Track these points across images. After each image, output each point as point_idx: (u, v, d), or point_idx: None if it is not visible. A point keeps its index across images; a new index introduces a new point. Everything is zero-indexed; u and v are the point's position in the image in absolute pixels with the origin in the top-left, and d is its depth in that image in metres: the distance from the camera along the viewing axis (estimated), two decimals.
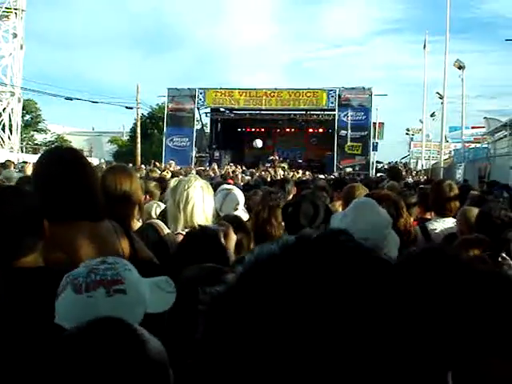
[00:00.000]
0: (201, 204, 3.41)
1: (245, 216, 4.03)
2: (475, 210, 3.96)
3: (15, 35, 38.83)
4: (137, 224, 3.28)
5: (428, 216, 4.98)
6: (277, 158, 31.92)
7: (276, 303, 0.56)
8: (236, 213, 4.00)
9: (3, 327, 1.62)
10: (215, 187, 4.26)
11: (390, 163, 43.36)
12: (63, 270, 2.07)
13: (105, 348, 1.15)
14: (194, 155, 36.17)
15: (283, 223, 3.55)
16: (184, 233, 3.28)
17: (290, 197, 5.72)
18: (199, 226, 2.92)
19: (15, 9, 38.42)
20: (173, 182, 3.57)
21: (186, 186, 3.42)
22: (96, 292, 1.43)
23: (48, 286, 1.87)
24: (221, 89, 37.33)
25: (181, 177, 3.74)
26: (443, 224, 4.45)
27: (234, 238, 3.00)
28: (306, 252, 0.61)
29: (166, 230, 3.23)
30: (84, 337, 1.18)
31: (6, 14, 38.14)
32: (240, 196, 4.11)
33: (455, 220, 4.29)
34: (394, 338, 0.55)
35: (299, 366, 0.53)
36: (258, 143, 34.18)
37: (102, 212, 2.51)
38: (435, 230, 4.42)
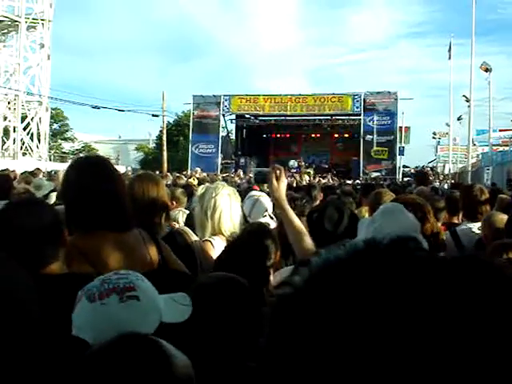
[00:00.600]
0: (228, 211, 3.42)
1: (272, 223, 4.03)
2: (500, 215, 3.93)
3: (42, 45, 39.43)
4: (164, 231, 3.30)
5: (455, 220, 4.94)
6: (302, 163, 31.91)
7: (346, 308, 0.54)
8: (264, 219, 4.01)
9: (33, 332, 1.64)
10: (242, 194, 4.28)
11: (416, 167, 42.95)
12: (89, 275, 2.11)
13: (130, 365, 1.14)
14: (219, 162, 36.29)
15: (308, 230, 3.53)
16: (211, 240, 3.30)
17: (317, 202, 5.70)
18: (237, 236, 2.91)
19: (42, 19, 39.03)
20: (200, 190, 3.58)
21: (214, 194, 3.43)
22: (109, 299, 1.45)
23: (75, 291, 1.92)
24: (246, 95, 37.44)
25: (208, 184, 3.75)
26: (474, 228, 4.40)
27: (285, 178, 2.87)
28: (377, 259, 0.59)
29: (194, 237, 3.24)
30: (108, 355, 1.18)
31: (33, 24, 38.77)
32: (268, 203, 4.12)
33: None
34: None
35: (371, 376, 0.51)
36: (293, 164, 34.02)
37: (131, 221, 2.52)
38: (466, 234, 4.37)
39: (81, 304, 1.49)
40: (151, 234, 2.60)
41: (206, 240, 3.29)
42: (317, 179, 22.87)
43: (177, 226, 3.90)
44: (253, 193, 4.38)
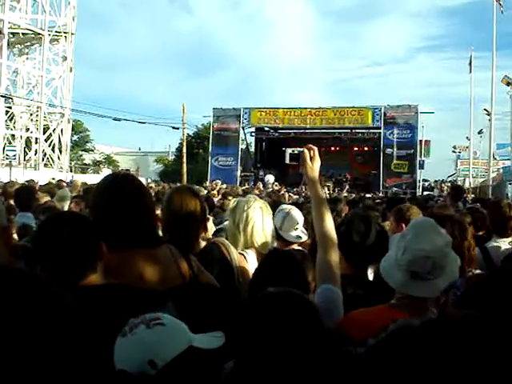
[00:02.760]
0: (260, 224, 3.47)
1: (304, 236, 4.08)
2: None
3: (65, 58, 40.02)
4: (202, 243, 3.34)
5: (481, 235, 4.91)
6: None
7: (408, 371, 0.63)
8: (295, 233, 4.05)
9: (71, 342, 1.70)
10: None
11: (436, 181, 42.71)
12: (125, 286, 2.16)
13: None
14: (238, 174, 36.41)
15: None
16: (244, 253, 3.35)
17: (343, 216, 5.72)
18: (275, 248, 2.94)
19: (65, 32, 39.63)
20: (232, 203, 3.63)
21: (246, 207, 3.48)
22: (137, 329, 1.58)
23: (113, 300, 1.98)
24: (265, 108, 37.53)
25: (239, 197, 3.80)
26: (504, 244, 4.41)
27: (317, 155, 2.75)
28: (450, 333, 0.68)
29: (232, 249, 3.27)
30: None
31: (56, 37, 39.37)
32: (299, 216, 4.15)
33: None
34: None
35: None
36: (270, 179, 33.75)
37: (159, 236, 2.57)
38: (496, 250, 4.38)
39: (116, 343, 1.61)
40: (181, 249, 2.61)
41: (240, 253, 3.33)
42: (336, 192, 22.87)
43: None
44: (284, 206, 4.42)
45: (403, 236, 2.38)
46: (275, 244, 3.93)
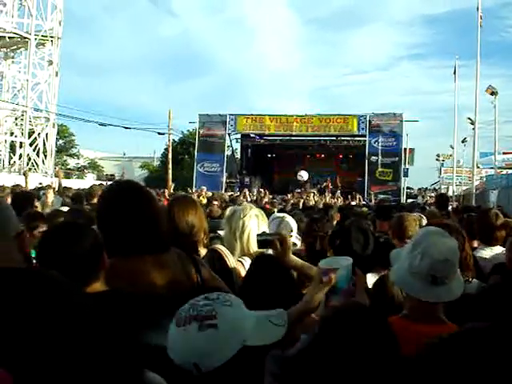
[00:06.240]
0: (256, 232, 3.51)
1: (298, 242, 4.13)
2: None
3: (51, 62, 39.73)
4: (204, 251, 3.38)
5: (475, 244, 4.96)
6: (329, 184, 32.19)
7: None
8: (290, 240, 4.11)
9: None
10: None
11: (420, 189, 43.06)
12: (127, 292, 2.18)
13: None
14: (224, 181, 36.34)
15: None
16: (242, 260, 3.39)
17: (334, 222, 5.79)
18: (261, 253, 2.99)
19: (51, 36, 39.39)
20: (228, 211, 3.68)
21: (242, 215, 3.53)
22: (190, 326, 1.54)
23: (114, 307, 2.00)
24: (251, 115, 37.48)
25: (236, 206, 3.84)
26: (491, 253, 4.46)
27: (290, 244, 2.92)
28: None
29: (230, 257, 3.31)
30: None
31: (42, 41, 39.11)
32: (293, 223, 4.22)
33: (503, 249, 4.30)
34: None
35: None
36: (304, 175, 33.76)
37: (167, 242, 2.57)
38: (484, 258, 4.43)
39: (171, 326, 1.60)
40: (189, 254, 2.65)
41: (238, 260, 3.37)
42: (326, 199, 22.88)
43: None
44: (277, 214, 4.48)
45: (416, 244, 2.40)
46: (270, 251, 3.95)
